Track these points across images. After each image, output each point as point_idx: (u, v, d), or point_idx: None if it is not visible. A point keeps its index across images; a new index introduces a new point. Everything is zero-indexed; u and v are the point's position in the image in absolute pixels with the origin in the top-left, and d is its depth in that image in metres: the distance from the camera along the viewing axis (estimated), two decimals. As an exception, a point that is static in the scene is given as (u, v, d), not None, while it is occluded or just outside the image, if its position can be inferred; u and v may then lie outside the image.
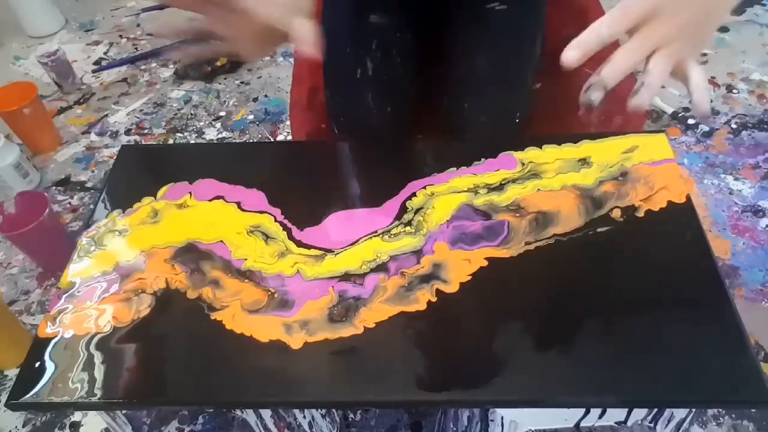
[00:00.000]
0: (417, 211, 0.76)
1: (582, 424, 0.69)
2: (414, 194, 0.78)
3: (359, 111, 0.95)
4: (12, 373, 1.22)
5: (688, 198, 0.74)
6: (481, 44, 0.92)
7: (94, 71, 2.02)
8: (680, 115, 1.60)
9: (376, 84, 0.93)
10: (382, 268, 0.70)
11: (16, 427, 1.12)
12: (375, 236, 0.74)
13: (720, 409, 1.02)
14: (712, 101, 1.65)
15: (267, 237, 0.75)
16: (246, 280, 0.71)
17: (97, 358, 0.65)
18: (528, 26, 0.91)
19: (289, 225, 0.76)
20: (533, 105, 0.95)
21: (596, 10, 1.00)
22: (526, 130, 0.96)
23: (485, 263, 0.70)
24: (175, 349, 0.66)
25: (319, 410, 0.81)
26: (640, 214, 0.73)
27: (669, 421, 0.71)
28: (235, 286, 0.70)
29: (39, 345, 0.66)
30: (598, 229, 0.72)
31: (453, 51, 0.96)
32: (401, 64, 0.94)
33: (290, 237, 0.74)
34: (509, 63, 0.92)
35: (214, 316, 0.67)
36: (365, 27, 0.91)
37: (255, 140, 1.69)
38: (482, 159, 0.81)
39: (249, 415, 0.75)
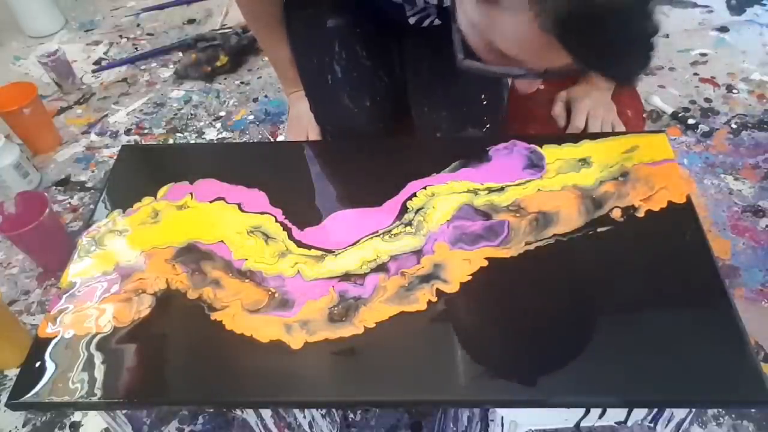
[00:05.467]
0: (417, 211, 0.76)
1: (582, 424, 0.69)
2: (414, 194, 0.78)
3: (340, 115, 0.96)
4: (12, 373, 1.21)
5: (688, 198, 0.74)
6: (422, 56, 0.93)
7: (94, 71, 2.02)
8: (680, 115, 1.60)
9: (348, 83, 0.94)
10: (382, 268, 0.70)
11: (16, 427, 1.12)
12: (375, 236, 0.74)
13: (720, 409, 1.02)
14: (711, 101, 1.65)
15: (267, 237, 0.75)
16: (246, 280, 0.71)
17: (98, 358, 0.65)
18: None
19: (290, 225, 0.76)
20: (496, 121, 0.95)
21: None
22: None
23: (485, 263, 0.70)
24: (175, 349, 0.66)
25: (319, 410, 0.81)
26: (640, 214, 0.73)
27: (669, 421, 0.71)
28: (235, 286, 0.70)
29: (39, 345, 0.66)
30: (598, 229, 0.72)
31: (406, 57, 0.97)
32: (368, 57, 0.94)
33: (290, 237, 0.75)
34: (451, 77, 0.92)
35: (214, 316, 0.67)
36: (325, 33, 0.91)
37: (255, 140, 1.69)
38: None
39: (249, 415, 0.75)
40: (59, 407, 0.79)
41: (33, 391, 0.62)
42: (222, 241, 0.75)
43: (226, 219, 0.77)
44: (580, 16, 0.43)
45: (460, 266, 0.69)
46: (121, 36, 2.19)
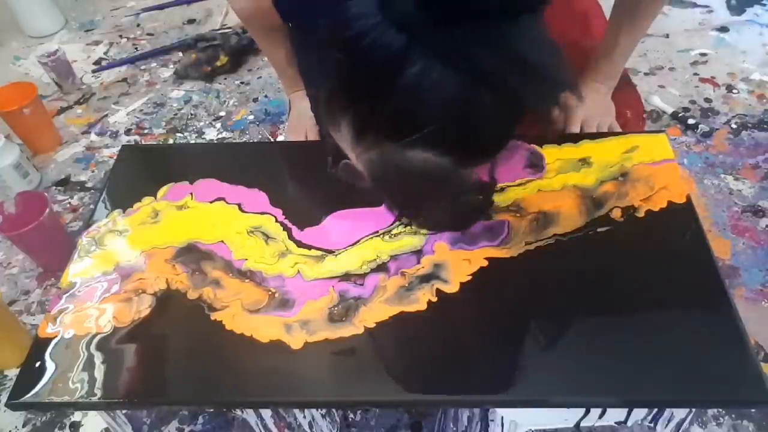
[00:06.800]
0: (417, 211, 0.76)
1: (582, 424, 0.69)
2: (414, 194, 0.78)
3: None
4: (12, 373, 1.21)
5: (688, 198, 0.74)
6: None
7: (94, 71, 2.02)
8: (680, 115, 1.60)
9: None
10: (382, 268, 0.70)
11: (16, 427, 1.12)
12: (375, 236, 0.74)
13: (720, 409, 1.02)
14: (711, 101, 1.65)
15: (267, 237, 0.75)
16: (247, 280, 0.71)
17: (98, 358, 0.65)
18: None
19: (290, 225, 0.76)
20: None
21: (597, 13, 0.99)
22: None
23: (485, 263, 0.70)
24: (175, 349, 0.66)
25: (319, 410, 0.81)
26: (640, 214, 0.73)
27: (669, 421, 0.71)
28: (235, 286, 0.70)
29: (39, 345, 0.66)
30: (598, 229, 0.72)
31: None
32: None
33: (290, 237, 0.74)
34: None
35: (214, 316, 0.67)
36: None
37: (255, 140, 1.69)
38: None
39: (249, 415, 0.75)
40: (59, 407, 0.78)
41: (33, 391, 0.62)
42: (222, 241, 0.75)
43: (226, 219, 0.77)
44: (388, 180, 0.44)
45: (460, 266, 0.69)
46: (121, 36, 2.19)
